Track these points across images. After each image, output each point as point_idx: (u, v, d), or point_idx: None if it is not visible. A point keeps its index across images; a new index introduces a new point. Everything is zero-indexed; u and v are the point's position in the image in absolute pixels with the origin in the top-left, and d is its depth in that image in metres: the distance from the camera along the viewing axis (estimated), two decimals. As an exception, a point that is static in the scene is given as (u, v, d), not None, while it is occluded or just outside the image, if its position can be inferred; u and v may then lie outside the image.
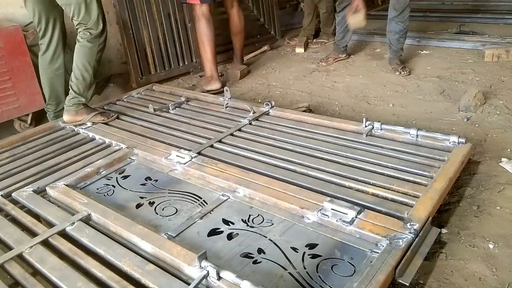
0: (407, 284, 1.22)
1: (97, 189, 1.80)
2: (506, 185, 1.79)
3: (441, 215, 1.66)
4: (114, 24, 3.44)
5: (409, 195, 1.58)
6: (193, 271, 1.22)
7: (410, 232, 1.33)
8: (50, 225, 1.54)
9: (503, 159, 1.98)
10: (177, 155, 1.91)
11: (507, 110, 2.49)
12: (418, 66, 3.41)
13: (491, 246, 1.48)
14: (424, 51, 3.76)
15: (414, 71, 3.30)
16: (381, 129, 2.06)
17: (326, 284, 1.21)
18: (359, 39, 4.34)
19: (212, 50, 3.26)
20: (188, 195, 1.70)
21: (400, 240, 1.30)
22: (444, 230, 1.57)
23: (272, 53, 4.26)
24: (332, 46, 3.88)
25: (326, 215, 1.44)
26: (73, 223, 1.50)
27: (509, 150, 2.08)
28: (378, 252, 1.28)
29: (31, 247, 1.40)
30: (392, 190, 1.61)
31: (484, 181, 1.86)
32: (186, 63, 3.75)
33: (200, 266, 1.19)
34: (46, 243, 1.44)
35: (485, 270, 1.38)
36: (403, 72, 3.22)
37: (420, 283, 1.35)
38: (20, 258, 1.39)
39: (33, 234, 1.50)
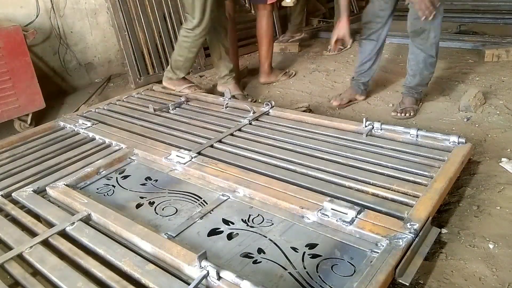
0: (407, 284, 1.22)
1: (97, 189, 1.80)
2: (506, 185, 1.79)
3: (441, 215, 1.66)
4: (110, 26, 3.47)
5: (409, 195, 1.58)
6: (193, 271, 1.21)
7: (410, 232, 1.33)
8: (50, 225, 1.54)
9: (503, 159, 1.98)
10: (177, 155, 1.91)
11: (507, 110, 2.49)
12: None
13: (491, 246, 1.48)
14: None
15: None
16: (381, 129, 2.07)
17: (326, 284, 1.21)
18: (359, 39, 4.35)
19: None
20: (188, 195, 1.70)
21: (400, 240, 1.30)
22: (444, 230, 1.57)
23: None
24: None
25: (326, 215, 1.44)
26: (73, 223, 1.50)
27: (509, 150, 2.08)
28: (378, 252, 1.28)
29: (31, 247, 1.40)
30: (392, 190, 1.61)
31: (484, 181, 1.86)
32: (186, 63, 3.75)
33: (200, 266, 1.19)
34: (46, 243, 1.43)
35: (485, 270, 1.38)
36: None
37: (420, 283, 1.35)
38: (20, 258, 1.39)
39: (33, 234, 1.50)
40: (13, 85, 2.65)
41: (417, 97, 2.61)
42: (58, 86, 3.55)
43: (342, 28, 2.52)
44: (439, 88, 2.93)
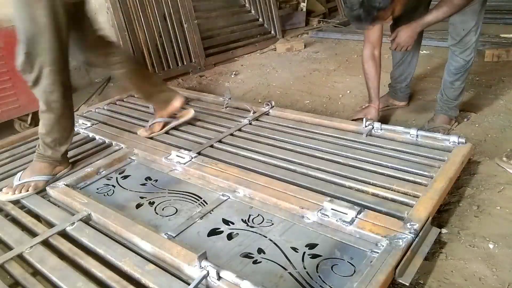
0: (407, 284, 1.22)
1: (97, 189, 1.80)
2: (506, 185, 1.79)
3: (441, 215, 1.66)
4: (110, 26, 3.48)
5: (409, 195, 1.58)
6: (193, 271, 1.21)
7: (410, 232, 1.33)
8: (50, 225, 1.54)
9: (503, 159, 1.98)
10: (177, 155, 1.91)
11: (507, 110, 2.48)
12: (418, 66, 3.39)
13: (491, 246, 1.47)
14: (424, 51, 3.75)
15: (414, 72, 3.28)
16: (381, 129, 2.06)
17: (326, 284, 1.21)
18: (359, 39, 4.34)
19: None
20: (188, 195, 1.70)
21: (400, 240, 1.30)
22: (444, 230, 1.57)
23: (272, 53, 4.26)
24: None
25: (326, 215, 1.44)
26: (73, 223, 1.50)
27: (509, 150, 2.08)
28: (378, 252, 1.28)
29: (31, 247, 1.40)
30: (392, 190, 1.61)
31: (484, 181, 1.85)
32: (185, 63, 3.75)
33: (200, 266, 1.19)
34: (46, 243, 1.43)
35: (485, 270, 1.38)
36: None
37: (420, 283, 1.35)
38: (20, 258, 1.39)
39: (33, 234, 1.50)
40: (13, 85, 2.65)
41: (450, 115, 2.37)
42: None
43: (370, 113, 2.34)
44: (439, 87, 2.92)
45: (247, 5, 4.47)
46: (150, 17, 3.55)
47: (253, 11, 4.49)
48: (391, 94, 2.71)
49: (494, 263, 1.40)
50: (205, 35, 3.97)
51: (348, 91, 3.04)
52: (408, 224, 1.36)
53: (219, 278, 1.17)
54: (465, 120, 2.43)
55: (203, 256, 1.20)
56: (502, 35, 3.70)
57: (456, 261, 1.42)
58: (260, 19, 4.53)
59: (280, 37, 4.58)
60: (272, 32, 4.60)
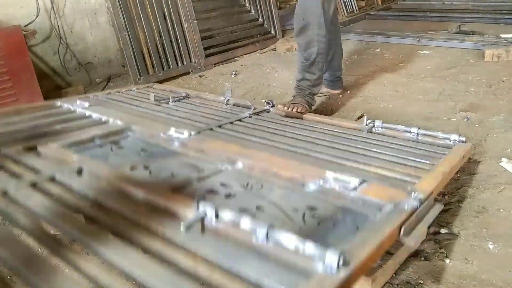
0: (412, 245, 1.17)
1: (91, 154, 1.69)
2: (506, 185, 1.78)
3: (441, 215, 1.64)
4: (110, 26, 3.49)
5: (412, 175, 1.53)
6: (191, 213, 1.14)
7: (414, 199, 1.28)
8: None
9: (503, 159, 1.97)
10: (175, 131, 1.85)
11: (507, 110, 2.48)
12: (418, 66, 3.42)
13: (491, 246, 1.46)
14: (424, 51, 3.79)
15: (414, 71, 3.30)
16: (381, 127, 2.05)
17: (329, 235, 1.14)
18: (359, 39, 4.37)
19: None
20: (186, 164, 1.63)
21: (406, 204, 1.25)
22: (444, 230, 1.56)
23: (272, 53, 4.28)
24: None
25: (329, 183, 1.38)
26: (64, 172, 1.40)
27: (509, 150, 2.07)
28: (382, 214, 1.22)
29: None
30: (395, 171, 1.57)
31: (484, 181, 1.84)
32: (185, 63, 3.76)
33: (198, 207, 1.13)
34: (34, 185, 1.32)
35: (485, 270, 1.35)
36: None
37: (420, 283, 1.32)
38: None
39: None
40: (13, 85, 2.63)
41: (307, 99, 2.55)
42: (58, 86, 3.53)
43: None
44: (439, 87, 2.93)
45: (247, 5, 4.51)
46: (150, 17, 3.57)
47: (253, 11, 4.53)
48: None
49: (494, 263, 1.38)
50: (205, 35, 3.98)
51: (348, 91, 3.04)
52: (412, 194, 1.31)
53: (217, 217, 1.10)
54: (465, 120, 2.42)
55: (201, 199, 1.14)
56: (502, 35, 3.75)
57: (456, 261, 1.40)
58: (260, 19, 4.57)
59: (280, 37, 4.61)
60: (272, 32, 4.63)
